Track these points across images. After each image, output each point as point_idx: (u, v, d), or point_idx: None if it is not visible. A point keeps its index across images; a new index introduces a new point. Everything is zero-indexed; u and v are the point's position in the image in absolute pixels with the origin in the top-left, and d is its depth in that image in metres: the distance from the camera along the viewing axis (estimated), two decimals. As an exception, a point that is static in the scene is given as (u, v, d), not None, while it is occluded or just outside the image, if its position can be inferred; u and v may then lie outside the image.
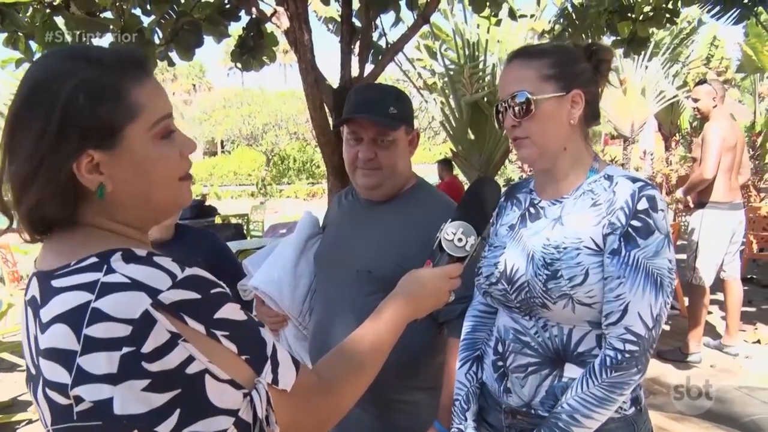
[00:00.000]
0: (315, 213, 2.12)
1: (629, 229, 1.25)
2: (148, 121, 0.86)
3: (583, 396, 1.25)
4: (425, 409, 1.68)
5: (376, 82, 4.83)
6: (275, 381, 0.85)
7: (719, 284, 4.65)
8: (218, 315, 0.80)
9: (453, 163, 9.81)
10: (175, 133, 0.91)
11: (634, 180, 1.30)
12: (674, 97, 13.16)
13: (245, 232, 10.18)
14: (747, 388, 3.92)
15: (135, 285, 0.76)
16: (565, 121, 1.34)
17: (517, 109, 1.33)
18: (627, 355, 1.23)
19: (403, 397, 1.70)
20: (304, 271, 1.93)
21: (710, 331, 5.02)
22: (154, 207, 0.91)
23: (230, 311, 0.82)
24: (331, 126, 4.65)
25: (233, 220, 10.81)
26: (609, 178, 1.34)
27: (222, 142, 36.12)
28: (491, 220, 1.55)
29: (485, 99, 9.96)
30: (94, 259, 0.80)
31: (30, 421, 3.91)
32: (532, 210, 1.44)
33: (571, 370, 1.32)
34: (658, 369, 4.26)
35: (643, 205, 1.26)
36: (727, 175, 4.39)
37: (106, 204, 0.86)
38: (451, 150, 10.59)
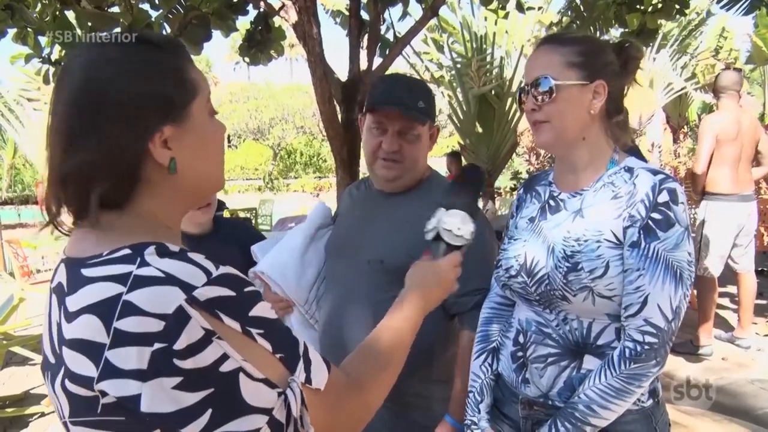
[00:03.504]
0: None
1: (649, 222, 1.25)
2: (204, 98, 0.90)
3: (601, 387, 1.25)
4: (439, 403, 1.68)
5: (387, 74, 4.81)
6: (308, 380, 0.83)
7: (731, 277, 4.62)
8: (253, 313, 0.79)
9: (461, 156, 9.78)
10: (217, 115, 0.95)
11: (655, 172, 1.30)
12: (682, 89, 13.07)
13: (254, 225, 10.20)
14: (759, 381, 3.89)
15: (169, 280, 0.74)
16: (585, 109, 1.34)
17: (539, 92, 1.34)
18: (646, 347, 1.23)
19: (417, 391, 1.70)
20: (312, 259, 1.92)
21: (722, 323, 4.99)
22: (206, 186, 0.94)
23: (263, 309, 0.81)
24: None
25: (241, 214, 10.83)
26: (629, 170, 1.34)
27: (229, 136, 36.09)
28: (512, 213, 1.55)
29: (493, 92, 9.94)
30: (127, 251, 0.78)
31: (42, 414, 3.94)
32: (551, 202, 1.44)
33: (590, 362, 1.32)
34: (669, 362, 4.23)
35: (663, 197, 1.25)
36: (733, 167, 4.35)
37: (169, 183, 0.87)
38: (459, 143, 10.57)
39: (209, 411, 0.74)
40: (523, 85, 1.39)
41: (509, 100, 10.02)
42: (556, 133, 1.36)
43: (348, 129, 4.70)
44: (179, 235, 0.93)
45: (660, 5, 5.15)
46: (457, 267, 1.18)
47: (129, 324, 0.72)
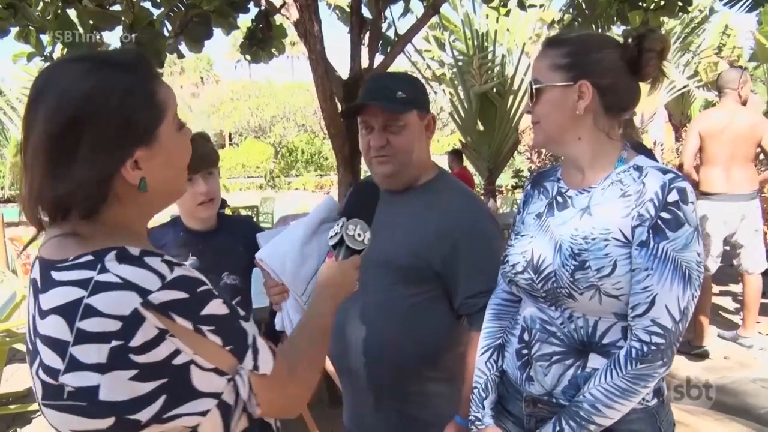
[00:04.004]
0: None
1: (658, 221, 1.24)
2: (172, 114, 0.97)
3: (607, 386, 1.24)
4: (445, 400, 1.68)
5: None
6: (256, 367, 0.94)
7: (733, 276, 4.59)
8: (204, 312, 0.88)
9: (463, 154, 9.77)
10: (185, 126, 1.02)
11: (665, 171, 1.29)
12: (685, 87, 13.05)
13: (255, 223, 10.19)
14: (761, 380, 3.88)
15: (126, 285, 0.83)
16: (570, 110, 1.34)
17: (529, 96, 1.40)
18: (653, 348, 1.22)
19: (422, 389, 1.70)
20: (313, 251, 1.91)
21: (725, 322, 4.98)
22: (170, 195, 1.03)
23: (215, 307, 0.90)
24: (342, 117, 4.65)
25: (243, 212, 10.83)
26: (638, 168, 1.32)
27: (230, 134, 36.14)
28: (519, 209, 1.55)
29: (494, 90, 9.92)
30: (89, 257, 0.86)
31: (45, 412, 3.94)
32: (559, 199, 1.43)
33: (595, 361, 1.31)
34: (670, 361, 4.23)
35: (673, 197, 1.24)
36: (724, 165, 4.29)
37: (137, 197, 0.94)
38: (461, 141, 10.56)
39: (163, 397, 0.84)
40: None
41: (511, 98, 10.01)
42: (544, 133, 1.41)
43: (349, 127, 4.70)
44: (146, 235, 1.02)
45: (662, 2, 5.14)
46: (358, 269, 1.31)
47: (90, 324, 0.82)
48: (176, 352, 0.84)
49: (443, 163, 9.61)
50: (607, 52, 1.34)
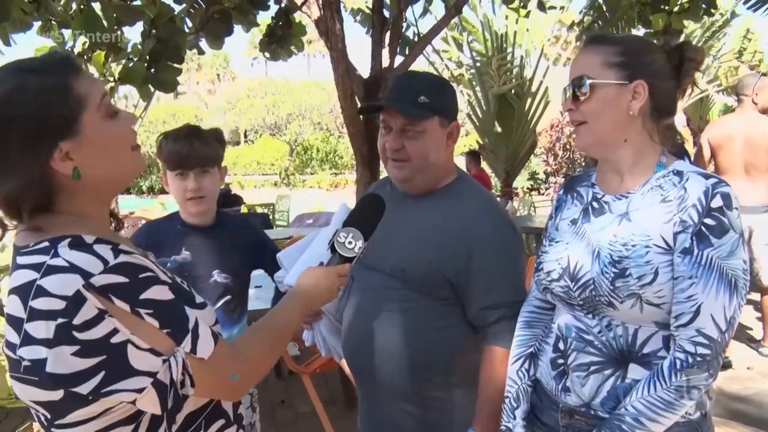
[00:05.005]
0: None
1: (702, 228, 1.20)
2: (93, 107, 1.02)
3: (650, 399, 1.20)
4: (460, 407, 1.65)
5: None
6: (193, 350, 1.00)
7: (755, 284, 4.49)
8: (144, 296, 0.95)
9: (480, 155, 9.73)
10: (120, 112, 1.08)
11: (707, 176, 1.25)
12: (704, 91, 12.92)
13: (271, 221, 10.22)
14: (785, 391, 3.81)
15: (72, 268, 0.92)
16: (623, 110, 1.30)
17: (575, 92, 1.33)
18: (698, 359, 1.18)
19: (436, 394, 1.67)
20: None
21: (747, 331, 4.90)
22: (118, 177, 1.10)
23: (157, 292, 0.97)
24: (360, 115, 4.65)
25: (259, 210, 10.86)
26: (678, 173, 1.29)
27: (245, 131, 36.33)
28: (551, 215, 1.51)
29: (513, 91, 9.89)
30: (46, 244, 0.96)
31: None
32: (595, 204, 1.39)
33: (635, 371, 1.28)
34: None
35: (717, 202, 1.20)
36: (732, 175, 4.12)
37: (82, 185, 1.01)
38: (478, 142, 10.53)
39: (102, 373, 0.91)
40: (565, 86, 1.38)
41: (529, 100, 9.98)
42: (593, 134, 1.34)
43: (369, 126, 4.69)
44: (106, 223, 1.11)
45: (687, 5, 5.06)
46: (344, 276, 1.32)
47: (40, 303, 0.91)
48: (114, 331, 0.92)
49: (461, 164, 9.56)
50: (658, 55, 1.33)
